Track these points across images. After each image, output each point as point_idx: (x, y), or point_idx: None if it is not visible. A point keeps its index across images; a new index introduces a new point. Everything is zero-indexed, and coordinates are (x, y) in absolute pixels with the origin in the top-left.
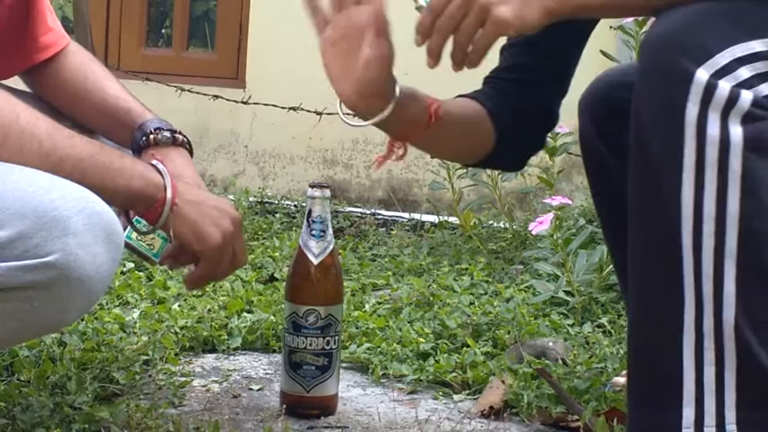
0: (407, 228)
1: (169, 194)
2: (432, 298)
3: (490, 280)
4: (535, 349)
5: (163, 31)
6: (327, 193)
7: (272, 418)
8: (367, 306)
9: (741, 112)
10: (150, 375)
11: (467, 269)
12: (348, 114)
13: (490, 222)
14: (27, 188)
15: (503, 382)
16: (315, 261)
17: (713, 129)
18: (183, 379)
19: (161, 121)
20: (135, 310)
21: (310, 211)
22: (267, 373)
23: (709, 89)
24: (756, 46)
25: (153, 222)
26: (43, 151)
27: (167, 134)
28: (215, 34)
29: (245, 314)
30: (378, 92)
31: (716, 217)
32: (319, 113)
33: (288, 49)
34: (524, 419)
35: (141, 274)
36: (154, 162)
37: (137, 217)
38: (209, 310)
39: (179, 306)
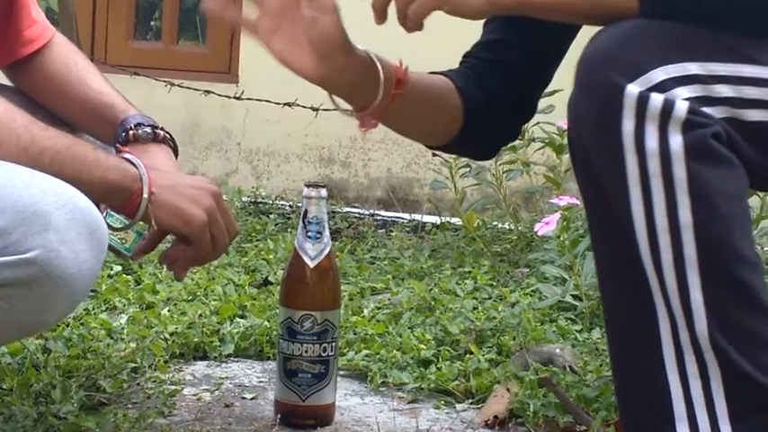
0: (408, 229)
1: (146, 185)
2: (433, 302)
3: (494, 284)
4: (541, 356)
5: (152, 23)
6: (324, 192)
7: (266, 429)
8: (365, 311)
9: (679, 120)
10: (139, 383)
11: (470, 272)
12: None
13: (494, 223)
14: (6, 183)
15: (508, 390)
16: (311, 264)
17: (652, 141)
18: (173, 387)
19: (144, 117)
20: (123, 315)
21: (306, 212)
22: (261, 382)
23: (642, 101)
24: (692, 68)
25: (131, 215)
26: (21, 145)
27: (148, 130)
28: (206, 27)
29: (237, 319)
30: (337, 46)
31: (669, 228)
32: (315, 109)
33: None
34: (530, 429)
35: (129, 277)
36: (126, 156)
37: (108, 211)
38: (201, 316)
39: (169, 311)
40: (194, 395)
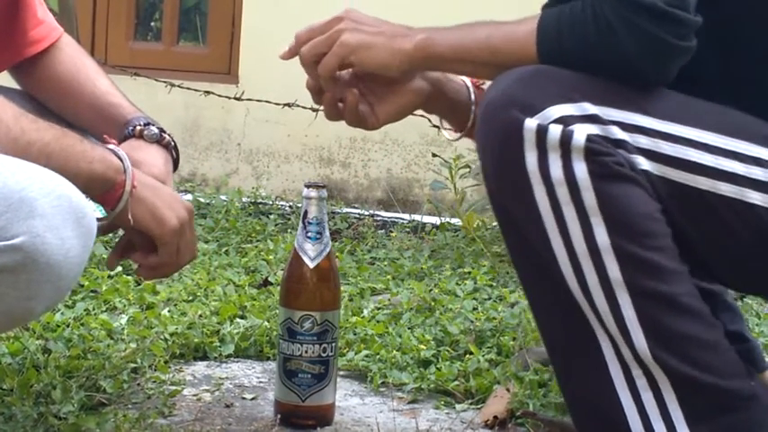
0: (408, 229)
1: (129, 178)
2: (433, 303)
3: (494, 284)
4: (541, 356)
5: (152, 23)
6: (324, 193)
7: (266, 429)
8: (365, 311)
9: (579, 148)
10: (139, 384)
11: (470, 273)
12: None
13: (494, 224)
14: None
15: (507, 390)
16: (311, 264)
17: (556, 170)
18: (173, 388)
19: (154, 121)
20: (123, 315)
21: (306, 212)
22: (261, 382)
23: (541, 133)
24: (590, 108)
25: (112, 206)
26: (11, 136)
27: (155, 130)
28: (206, 27)
29: (237, 320)
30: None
31: (589, 252)
32: (315, 110)
33: (283, 42)
34: (530, 430)
35: (129, 278)
36: (111, 147)
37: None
38: (201, 316)
39: (169, 312)
40: (194, 395)
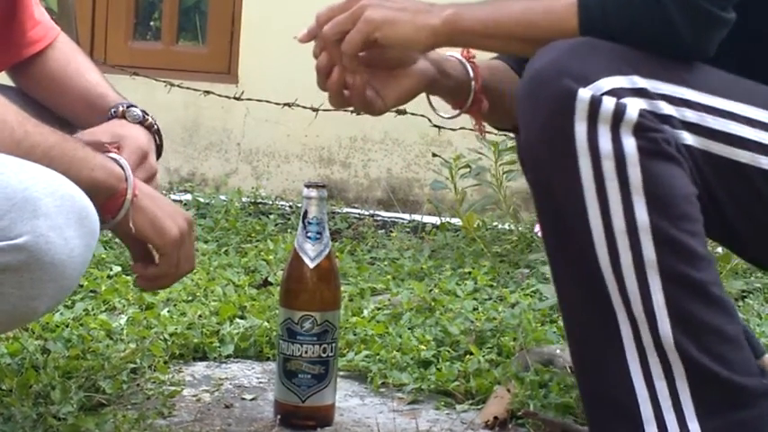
0: (408, 229)
1: (131, 186)
2: (433, 303)
3: (494, 284)
4: (542, 357)
5: (151, 23)
6: (324, 193)
7: (265, 430)
8: (365, 312)
9: (630, 123)
10: (138, 384)
11: (470, 273)
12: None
13: (494, 224)
14: None
15: (508, 391)
16: (311, 264)
17: (605, 143)
18: (173, 388)
19: (135, 105)
20: (122, 315)
21: (306, 212)
22: (261, 382)
23: (594, 104)
24: (639, 82)
25: (113, 215)
26: (15, 138)
27: (138, 112)
28: (206, 27)
29: (237, 320)
30: (407, 89)
31: (627, 230)
32: (315, 110)
33: (282, 42)
34: (531, 430)
35: (129, 278)
36: (113, 155)
37: None
38: (200, 316)
39: (168, 312)
40: (194, 396)
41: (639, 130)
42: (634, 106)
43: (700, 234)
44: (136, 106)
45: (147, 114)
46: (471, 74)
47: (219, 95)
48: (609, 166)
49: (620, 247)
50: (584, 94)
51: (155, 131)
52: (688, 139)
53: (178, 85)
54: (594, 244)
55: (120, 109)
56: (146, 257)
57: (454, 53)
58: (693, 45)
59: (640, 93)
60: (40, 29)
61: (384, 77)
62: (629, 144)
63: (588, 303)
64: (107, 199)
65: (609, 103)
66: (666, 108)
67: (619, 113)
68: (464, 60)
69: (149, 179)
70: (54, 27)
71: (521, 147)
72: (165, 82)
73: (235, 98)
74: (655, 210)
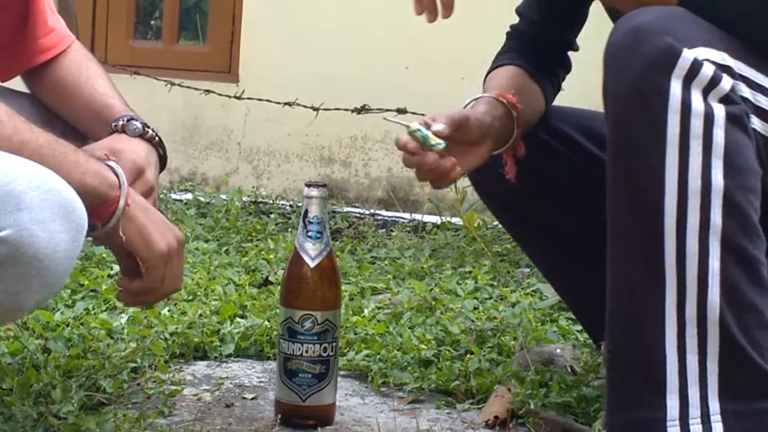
0: (408, 229)
1: (124, 195)
2: (434, 303)
3: (495, 284)
4: (542, 356)
5: (152, 22)
6: (324, 192)
7: (266, 429)
8: (366, 311)
9: (721, 93)
10: (139, 384)
11: (470, 272)
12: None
13: (495, 223)
14: None
15: (508, 390)
16: (311, 264)
17: (698, 103)
18: (174, 387)
19: (139, 118)
20: (123, 315)
21: (306, 212)
22: (261, 382)
23: (695, 67)
24: (728, 60)
25: (103, 222)
26: (5, 133)
27: (138, 125)
28: (207, 26)
29: (238, 319)
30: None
31: (701, 191)
32: (316, 109)
33: (283, 41)
34: (531, 429)
35: None
36: (109, 163)
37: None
38: (201, 316)
39: (169, 311)
40: (194, 395)
41: (727, 100)
42: (727, 80)
43: (758, 211)
44: (137, 119)
45: (148, 127)
46: (515, 122)
47: (220, 95)
48: (696, 125)
49: (690, 207)
50: (689, 54)
51: (156, 144)
52: (756, 123)
53: (179, 85)
54: (665, 200)
55: (121, 123)
56: (134, 273)
57: (494, 95)
58: None
59: (726, 70)
60: (54, 36)
61: (463, 151)
62: (719, 109)
63: (640, 260)
64: (98, 206)
65: (708, 70)
66: (745, 90)
67: (715, 81)
68: (509, 106)
69: (146, 194)
70: (68, 35)
71: (607, 93)
72: (165, 81)
73: (235, 97)
74: (730, 176)
